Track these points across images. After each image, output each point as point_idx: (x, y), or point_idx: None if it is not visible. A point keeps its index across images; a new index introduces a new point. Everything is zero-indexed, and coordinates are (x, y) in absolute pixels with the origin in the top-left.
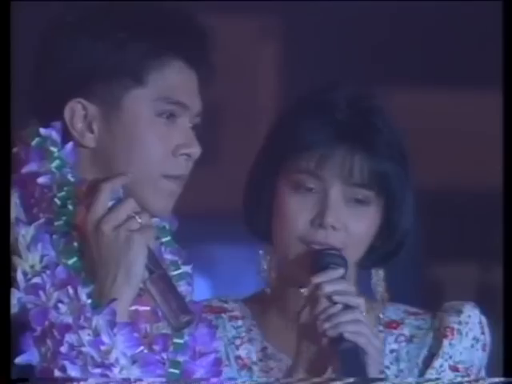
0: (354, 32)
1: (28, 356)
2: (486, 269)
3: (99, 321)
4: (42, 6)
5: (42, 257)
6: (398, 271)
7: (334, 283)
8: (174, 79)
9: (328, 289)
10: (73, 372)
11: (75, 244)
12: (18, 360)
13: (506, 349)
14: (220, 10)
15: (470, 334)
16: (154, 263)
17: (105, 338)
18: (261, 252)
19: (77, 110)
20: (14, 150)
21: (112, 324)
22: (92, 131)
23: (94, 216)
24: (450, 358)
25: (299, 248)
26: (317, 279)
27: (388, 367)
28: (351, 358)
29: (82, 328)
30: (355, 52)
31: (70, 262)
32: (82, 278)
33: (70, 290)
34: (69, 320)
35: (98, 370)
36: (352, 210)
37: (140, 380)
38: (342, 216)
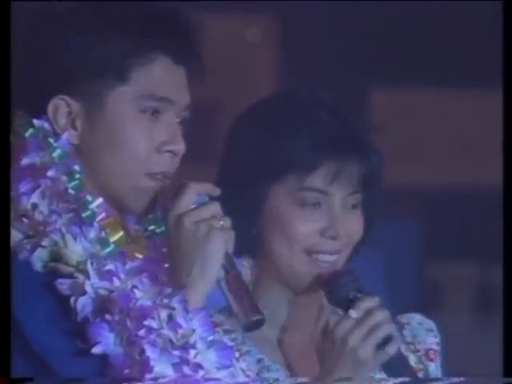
0: (353, 32)
1: (103, 345)
2: (486, 269)
3: (174, 304)
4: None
5: (84, 251)
6: (398, 271)
7: (376, 314)
8: (159, 75)
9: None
10: (153, 355)
11: (106, 232)
12: (95, 350)
13: (506, 349)
14: (219, 9)
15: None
16: (230, 264)
17: (181, 321)
18: (244, 263)
19: (60, 107)
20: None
21: (186, 309)
22: (75, 128)
23: (176, 211)
24: (442, 380)
25: (304, 259)
26: (355, 314)
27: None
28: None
29: (163, 307)
30: (354, 52)
31: (106, 251)
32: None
33: (144, 278)
34: (148, 303)
35: (176, 353)
36: (349, 215)
37: (140, 379)
38: (346, 224)
